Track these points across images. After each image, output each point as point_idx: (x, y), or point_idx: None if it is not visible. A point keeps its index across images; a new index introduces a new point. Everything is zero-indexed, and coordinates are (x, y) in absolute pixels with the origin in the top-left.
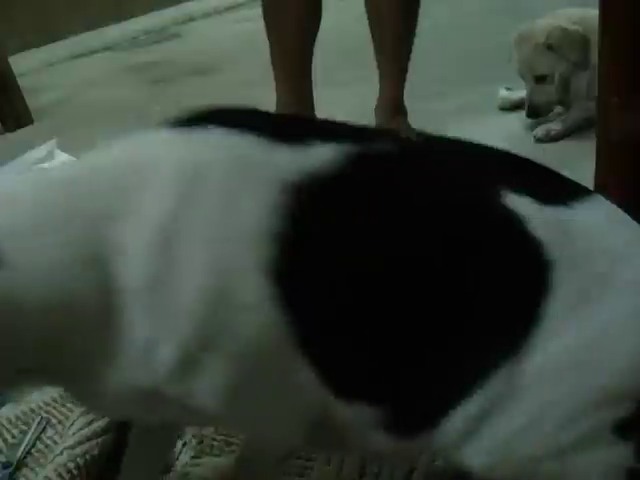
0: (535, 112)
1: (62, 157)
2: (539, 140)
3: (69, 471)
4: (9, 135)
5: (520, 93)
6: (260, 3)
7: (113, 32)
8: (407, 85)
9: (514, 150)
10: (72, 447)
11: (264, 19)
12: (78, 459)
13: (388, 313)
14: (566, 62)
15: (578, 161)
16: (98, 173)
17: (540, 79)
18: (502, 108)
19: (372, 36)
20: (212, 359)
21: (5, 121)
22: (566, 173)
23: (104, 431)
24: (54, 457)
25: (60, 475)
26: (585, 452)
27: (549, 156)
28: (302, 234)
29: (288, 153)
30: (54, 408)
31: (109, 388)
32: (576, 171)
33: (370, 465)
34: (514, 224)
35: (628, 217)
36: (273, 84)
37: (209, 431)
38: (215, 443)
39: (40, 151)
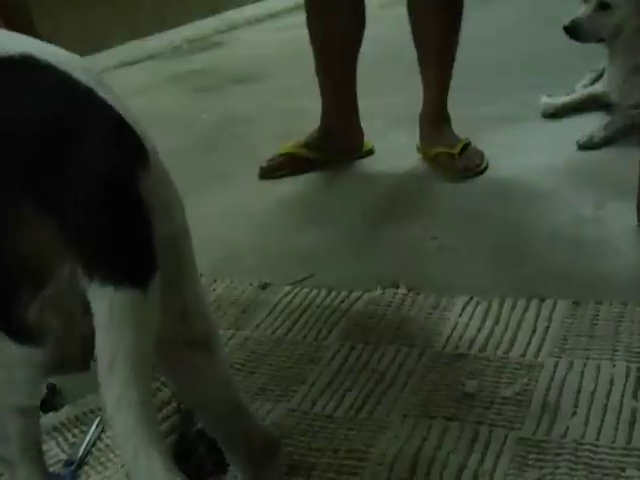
0: (575, 29)
1: None
2: (582, 147)
3: None
4: None
5: (562, 99)
6: (302, 10)
7: (156, 41)
8: (450, 93)
9: (558, 157)
10: None
11: (308, 29)
12: None
13: None
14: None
15: (621, 168)
16: None
17: (603, 6)
18: (545, 115)
19: (415, 45)
20: None
21: None
22: (609, 179)
23: (166, 434)
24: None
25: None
26: None
27: (592, 163)
28: None
29: None
30: None
31: None
32: (619, 177)
33: (420, 465)
34: None
35: None
36: (317, 91)
37: None
38: None
39: None
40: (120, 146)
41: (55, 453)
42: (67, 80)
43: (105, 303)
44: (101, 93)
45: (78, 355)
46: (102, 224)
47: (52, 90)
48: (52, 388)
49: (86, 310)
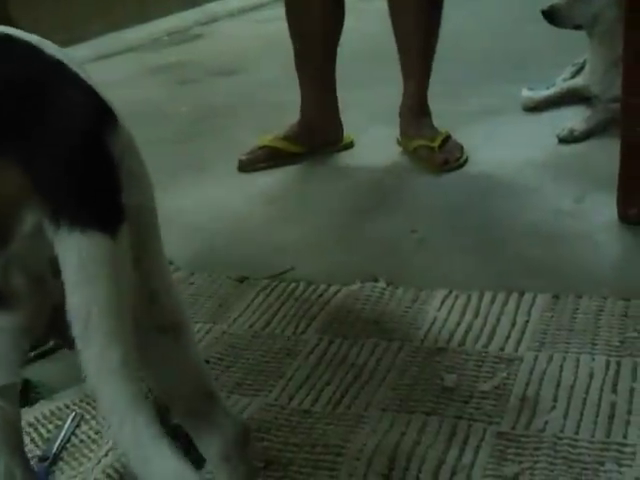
0: (552, 14)
1: None
2: (562, 140)
3: (116, 470)
4: None
5: (543, 93)
6: (281, 3)
7: (136, 33)
8: (430, 85)
9: (538, 151)
10: (115, 448)
11: (287, 22)
12: (122, 458)
13: None
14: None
15: (601, 161)
16: None
17: None
18: (525, 108)
19: (395, 38)
20: None
21: None
22: (590, 173)
23: None
24: (100, 459)
25: (109, 475)
26: None
27: (572, 156)
28: None
29: None
30: (87, 404)
31: None
32: (600, 171)
33: (399, 460)
34: None
35: None
36: (297, 84)
37: None
38: None
39: None
40: (88, 104)
41: (29, 449)
42: (40, 52)
43: (74, 250)
44: (71, 65)
45: (45, 324)
46: (68, 170)
47: (26, 58)
48: (26, 383)
49: (56, 275)
